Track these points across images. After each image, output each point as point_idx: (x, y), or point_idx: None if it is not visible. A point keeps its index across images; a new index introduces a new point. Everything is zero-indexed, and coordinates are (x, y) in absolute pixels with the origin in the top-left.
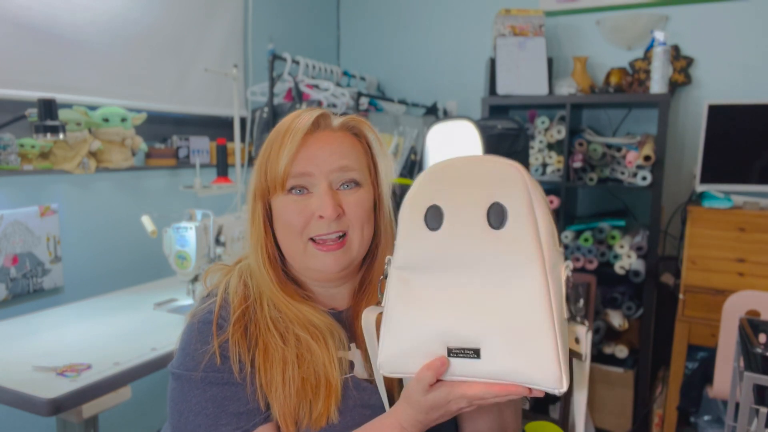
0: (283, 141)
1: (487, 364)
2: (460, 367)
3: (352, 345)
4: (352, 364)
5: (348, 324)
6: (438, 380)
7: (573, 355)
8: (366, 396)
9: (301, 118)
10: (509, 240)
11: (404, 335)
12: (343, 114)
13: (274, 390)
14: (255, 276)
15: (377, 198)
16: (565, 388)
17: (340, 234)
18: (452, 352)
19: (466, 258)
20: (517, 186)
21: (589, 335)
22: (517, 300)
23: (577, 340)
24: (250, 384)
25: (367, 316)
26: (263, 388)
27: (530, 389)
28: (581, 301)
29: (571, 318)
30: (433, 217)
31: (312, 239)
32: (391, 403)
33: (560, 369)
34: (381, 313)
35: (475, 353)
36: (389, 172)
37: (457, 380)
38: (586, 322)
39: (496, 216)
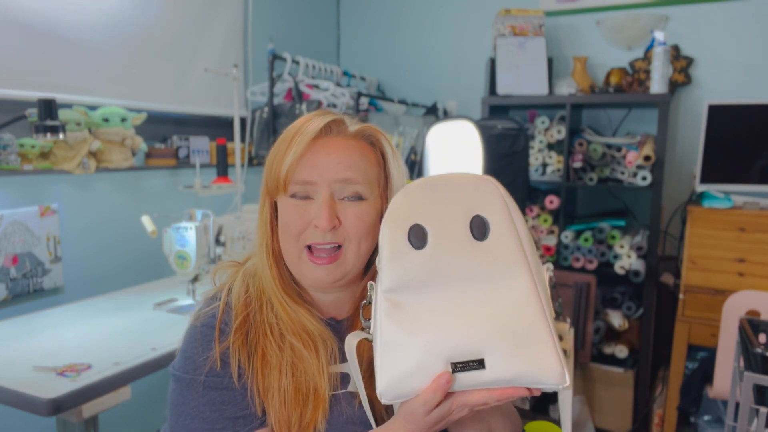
0: (291, 143)
1: (492, 372)
2: (464, 379)
3: None
4: (347, 377)
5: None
6: None
7: None
8: (359, 412)
9: (312, 122)
10: (495, 249)
11: (405, 358)
12: (360, 121)
13: (271, 397)
14: (258, 274)
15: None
16: (568, 383)
17: (336, 245)
18: (457, 367)
19: (456, 272)
20: (494, 198)
21: (571, 331)
22: (511, 305)
23: (560, 338)
24: (249, 389)
25: (350, 342)
26: (260, 394)
27: (530, 389)
28: (560, 300)
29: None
30: (417, 236)
31: (308, 247)
32: (376, 415)
33: (562, 365)
34: (364, 339)
35: (480, 364)
36: (403, 185)
37: (458, 390)
38: (569, 320)
39: (479, 228)
